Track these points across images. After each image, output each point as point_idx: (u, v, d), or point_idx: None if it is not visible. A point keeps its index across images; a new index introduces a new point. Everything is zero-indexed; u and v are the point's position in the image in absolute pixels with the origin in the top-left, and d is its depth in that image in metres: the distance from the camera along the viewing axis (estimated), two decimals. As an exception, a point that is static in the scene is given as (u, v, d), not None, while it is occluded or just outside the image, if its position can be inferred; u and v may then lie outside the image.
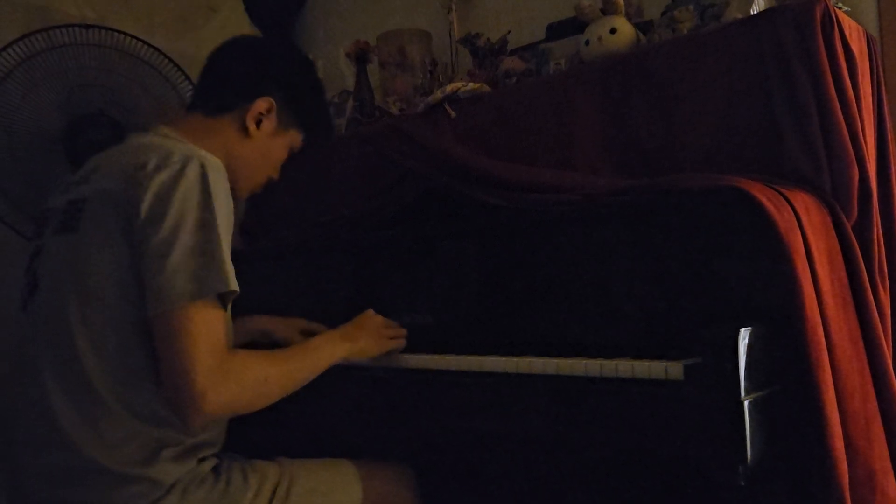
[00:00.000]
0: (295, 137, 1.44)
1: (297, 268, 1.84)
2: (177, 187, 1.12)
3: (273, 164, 1.44)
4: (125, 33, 2.00)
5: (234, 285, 1.13)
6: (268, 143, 1.39)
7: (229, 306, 1.18)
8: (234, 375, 1.11)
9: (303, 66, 1.46)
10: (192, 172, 1.14)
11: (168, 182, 1.13)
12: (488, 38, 1.90)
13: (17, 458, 1.21)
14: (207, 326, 1.09)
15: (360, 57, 2.10)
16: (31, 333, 1.23)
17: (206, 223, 1.12)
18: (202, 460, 1.22)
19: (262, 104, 1.35)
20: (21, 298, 1.28)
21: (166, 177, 1.13)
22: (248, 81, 1.36)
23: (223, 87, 1.37)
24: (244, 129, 1.35)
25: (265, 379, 1.17)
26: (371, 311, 1.42)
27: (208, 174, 1.15)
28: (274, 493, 1.25)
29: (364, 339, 1.35)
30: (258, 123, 1.36)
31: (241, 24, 2.57)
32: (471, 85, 1.75)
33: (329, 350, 1.29)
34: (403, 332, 1.43)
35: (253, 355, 1.18)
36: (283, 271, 1.84)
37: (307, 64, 1.48)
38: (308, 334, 1.52)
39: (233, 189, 1.25)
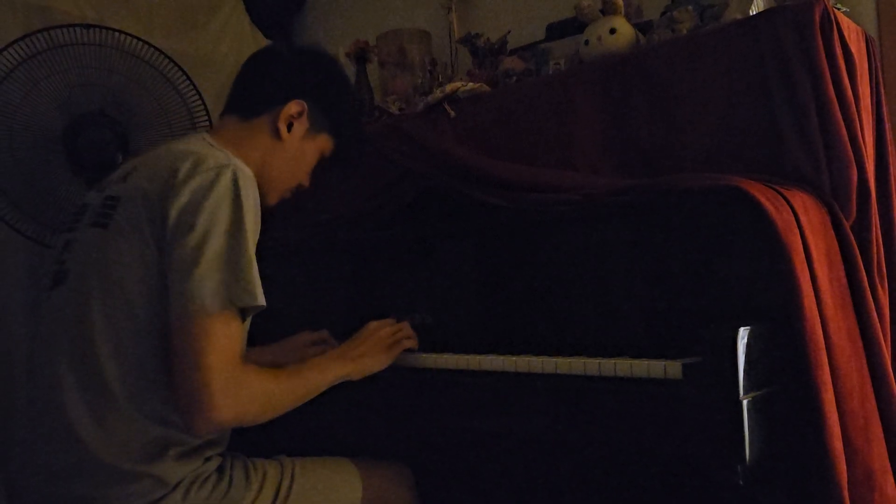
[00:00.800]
0: (326, 142, 1.44)
1: (297, 267, 1.84)
2: (208, 196, 1.13)
3: (303, 169, 1.44)
4: (125, 33, 2.00)
5: (261, 300, 1.13)
6: (299, 146, 1.40)
7: (249, 319, 1.18)
8: (244, 388, 1.11)
9: (334, 72, 1.47)
10: (225, 181, 1.14)
11: (200, 190, 1.13)
12: (488, 38, 1.90)
13: (18, 453, 1.21)
14: (226, 337, 1.09)
15: (360, 56, 2.10)
16: (47, 326, 1.23)
17: (236, 234, 1.13)
18: (207, 460, 1.23)
19: (293, 107, 1.36)
20: (41, 289, 1.28)
21: (198, 184, 1.14)
22: (280, 84, 1.38)
23: (256, 90, 1.39)
24: (276, 133, 1.36)
25: (271, 394, 1.17)
26: (374, 324, 1.40)
27: (240, 184, 1.15)
28: (276, 492, 1.26)
29: (367, 358, 1.35)
30: (289, 126, 1.37)
31: (241, 24, 2.57)
32: (470, 85, 1.75)
33: (334, 370, 1.29)
34: (411, 333, 1.42)
35: (262, 371, 1.18)
36: (283, 271, 1.83)
37: (339, 71, 1.49)
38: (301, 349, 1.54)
39: (263, 196, 1.26)
